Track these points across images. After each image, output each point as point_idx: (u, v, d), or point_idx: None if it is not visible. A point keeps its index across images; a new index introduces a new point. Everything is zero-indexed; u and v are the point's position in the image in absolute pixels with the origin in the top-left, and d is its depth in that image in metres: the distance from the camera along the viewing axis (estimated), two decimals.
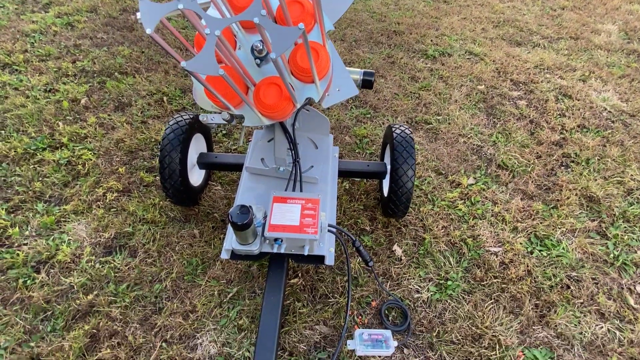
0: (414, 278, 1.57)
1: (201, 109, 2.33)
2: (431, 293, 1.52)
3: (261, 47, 1.12)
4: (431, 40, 3.19)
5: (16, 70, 2.62)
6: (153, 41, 0.97)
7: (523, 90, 2.69)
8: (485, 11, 3.79)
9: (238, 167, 1.73)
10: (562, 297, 1.52)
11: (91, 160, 1.99)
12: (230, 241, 1.29)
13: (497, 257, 1.65)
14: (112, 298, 1.45)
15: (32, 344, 1.32)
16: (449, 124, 2.35)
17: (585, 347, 1.39)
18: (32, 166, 1.94)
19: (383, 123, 2.34)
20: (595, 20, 3.73)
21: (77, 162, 1.97)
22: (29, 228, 1.68)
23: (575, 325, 1.45)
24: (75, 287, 1.48)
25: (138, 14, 1.22)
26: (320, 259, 1.34)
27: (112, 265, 1.56)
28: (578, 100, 2.60)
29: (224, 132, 2.22)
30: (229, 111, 1.16)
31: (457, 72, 2.82)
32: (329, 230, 1.33)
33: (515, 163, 2.10)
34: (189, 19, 0.90)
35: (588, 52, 3.18)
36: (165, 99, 2.40)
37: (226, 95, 1.10)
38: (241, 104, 1.17)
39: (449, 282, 1.55)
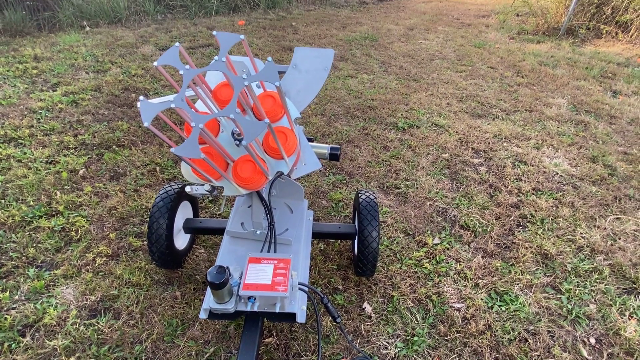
0: (382, 335, 1.67)
1: (185, 180, 2.54)
2: (398, 349, 1.61)
3: (239, 132, 1.36)
4: (401, 114, 3.57)
5: (21, 143, 2.85)
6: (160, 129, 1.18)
7: (483, 158, 2.98)
8: (450, 88, 4.26)
9: (220, 231, 1.89)
10: (520, 350, 1.62)
11: (84, 226, 2.13)
12: (208, 301, 1.41)
13: (459, 312, 1.77)
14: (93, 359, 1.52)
15: None
16: (417, 188, 2.58)
17: None
18: (28, 233, 2.08)
19: (357, 188, 2.56)
20: (547, 95, 4.21)
21: (70, 229, 2.12)
22: (18, 292, 1.77)
23: None
24: (58, 349, 1.54)
25: (139, 103, 1.47)
26: (292, 316, 1.45)
27: (95, 327, 1.64)
28: (532, 166, 2.89)
29: (210, 198, 2.41)
30: (211, 183, 1.36)
31: (424, 142, 3.13)
32: (299, 288, 1.46)
33: (476, 224, 2.30)
34: (180, 113, 1.13)
35: (541, 123, 3.57)
36: (158, 168, 2.62)
37: (208, 171, 1.31)
38: (221, 177, 1.38)
39: (415, 338, 1.65)
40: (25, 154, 2.72)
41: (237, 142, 1.40)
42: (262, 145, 1.38)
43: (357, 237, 1.85)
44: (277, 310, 1.39)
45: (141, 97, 1.11)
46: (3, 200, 2.29)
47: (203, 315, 1.45)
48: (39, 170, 2.56)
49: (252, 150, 1.14)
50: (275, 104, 1.40)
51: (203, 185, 1.40)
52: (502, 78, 4.63)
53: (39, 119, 3.17)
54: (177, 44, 1.16)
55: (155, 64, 1.14)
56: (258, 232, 1.65)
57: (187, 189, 1.43)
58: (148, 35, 5.35)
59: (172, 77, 4.08)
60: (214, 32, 1.18)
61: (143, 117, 1.08)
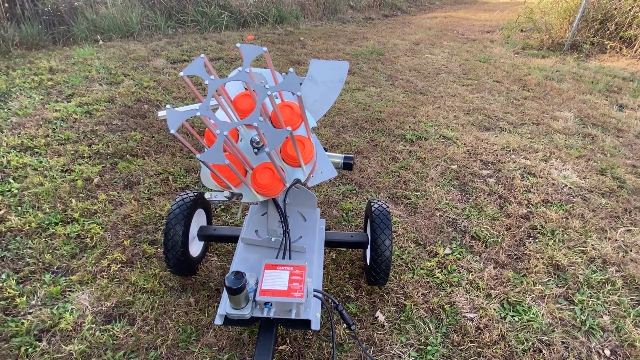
0: (396, 344, 1.67)
1: (204, 187, 2.58)
2: (412, 358, 1.61)
3: (258, 140, 1.39)
4: (409, 126, 3.61)
5: (37, 152, 2.91)
6: (174, 137, 1.22)
7: (492, 170, 3.01)
8: (457, 101, 4.31)
9: (234, 239, 1.92)
10: None
11: (99, 233, 2.17)
12: (224, 306, 1.43)
13: (472, 322, 1.77)
14: None
15: None
16: (426, 199, 2.60)
17: None
18: (44, 239, 2.11)
19: (367, 198, 2.58)
20: (553, 108, 4.25)
21: (85, 236, 2.15)
22: (35, 298, 1.79)
23: None
24: (74, 354, 1.56)
25: (159, 112, 1.52)
26: (306, 323, 1.46)
27: (111, 333, 1.65)
28: (541, 178, 2.90)
29: (222, 207, 2.44)
30: (230, 190, 1.39)
31: (432, 154, 3.16)
32: (314, 295, 1.47)
33: (487, 234, 2.31)
34: (204, 121, 1.17)
35: (548, 136, 3.60)
36: (170, 178, 2.67)
37: (228, 178, 1.34)
38: (240, 183, 1.41)
39: (429, 347, 1.65)
40: (41, 162, 2.78)
41: (256, 150, 1.43)
42: (280, 152, 1.42)
43: (369, 245, 1.86)
44: (293, 317, 1.40)
45: (167, 106, 1.15)
46: (20, 208, 2.33)
47: (218, 321, 1.46)
48: (55, 178, 2.61)
49: (273, 157, 1.18)
50: (293, 114, 1.44)
51: (222, 192, 1.43)
52: (508, 92, 4.68)
53: (54, 128, 3.24)
54: (202, 55, 1.21)
55: (181, 73, 1.19)
56: (273, 240, 1.67)
57: (207, 195, 1.46)
58: (160, 49, 5.48)
59: (180, 90, 4.17)
60: (238, 45, 1.23)
61: (170, 125, 1.12)
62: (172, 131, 1.11)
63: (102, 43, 5.63)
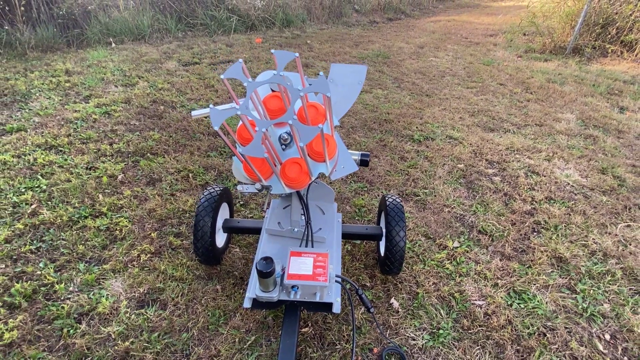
0: (410, 327, 1.79)
1: (228, 180, 2.71)
2: (425, 340, 1.73)
3: (286, 137, 1.52)
4: (416, 127, 3.74)
5: (61, 151, 3.04)
6: (217, 134, 1.33)
7: (497, 168, 3.13)
8: (462, 103, 4.44)
9: (256, 231, 2.05)
10: (539, 343, 1.74)
11: (127, 226, 2.30)
12: (254, 289, 1.56)
13: (481, 309, 1.89)
14: (145, 345, 1.65)
15: None
16: (435, 196, 2.73)
17: None
18: (76, 232, 2.24)
19: (377, 195, 2.71)
20: (556, 110, 4.38)
21: (114, 228, 2.28)
22: (72, 284, 1.92)
23: None
24: (113, 335, 1.68)
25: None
26: (328, 306, 1.58)
27: (145, 316, 1.78)
28: (544, 177, 3.03)
29: (241, 202, 2.57)
30: (261, 182, 1.52)
31: (439, 153, 3.29)
32: (335, 281, 1.60)
33: (493, 229, 2.43)
34: (242, 120, 1.30)
35: (551, 137, 3.72)
36: (190, 175, 2.80)
37: (261, 171, 1.47)
38: (270, 176, 1.54)
39: (441, 331, 1.77)
40: (66, 160, 2.91)
41: (284, 146, 1.56)
42: (307, 148, 1.54)
43: (384, 237, 1.98)
44: (317, 300, 1.53)
45: (211, 105, 1.28)
46: (50, 202, 2.46)
47: (247, 304, 1.59)
48: (81, 175, 2.75)
49: (304, 152, 1.31)
50: (317, 113, 1.57)
51: (253, 184, 1.56)
52: (512, 94, 4.81)
53: (75, 128, 3.38)
54: (240, 60, 1.35)
55: (222, 76, 1.32)
56: (295, 230, 1.79)
57: (239, 187, 1.59)
58: (171, 52, 5.63)
59: (193, 92, 4.30)
60: (272, 51, 1.36)
61: (213, 122, 1.25)
62: (215, 128, 1.23)
63: (115, 46, 5.78)
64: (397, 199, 1.98)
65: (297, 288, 1.52)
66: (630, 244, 2.36)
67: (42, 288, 1.88)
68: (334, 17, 8.90)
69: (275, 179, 1.49)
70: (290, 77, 1.67)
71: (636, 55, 6.32)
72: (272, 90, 1.67)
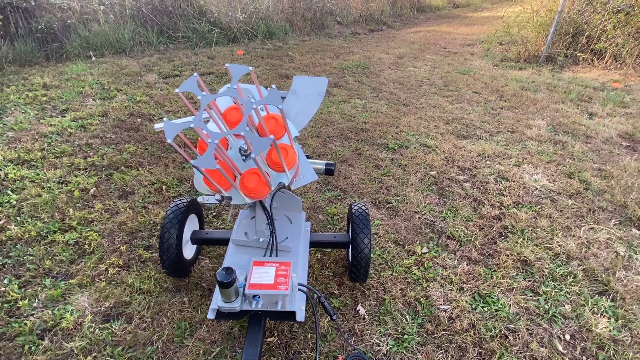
0: (375, 334, 1.81)
1: (196, 193, 2.72)
2: (390, 346, 1.76)
3: (246, 148, 1.55)
4: (392, 136, 3.81)
5: (34, 165, 3.02)
6: (167, 149, 1.36)
7: (468, 175, 3.20)
8: (437, 112, 4.54)
9: (225, 242, 2.06)
10: (501, 345, 1.77)
11: (96, 240, 2.28)
12: (216, 301, 1.57)
13: (446, 313, 1.92)
14: (108, 359, 1.64)
15: None
16: (407, 203, 2.78)
17: None
18: (44, 247, 2.22)
19: (351, 203, 2.74)
20: (528, 117, 4.50)
21: (84, 242, 2.27)
22: (36, 300, 1.90)
23: None
24: (75, 350, 1.67)
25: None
26: (292, 315, 1.60)
27: (110, 330, 1.77)
28: (513, 182, 3.11)
29: (214, 214, 2.58)
30: (221, 193, 1.54)
31: (413, 161, 3.35)
32: (299, 289, 1.62)
33: (461, 234, 2.48)
34: (197, 131, 1.33)
35: (522, 143, 3.82)
36: (164, 187, 2.80)
37: (219, 182, 1.50)
38: (230, 187, 1.56)
39: (405, 336, 1.80)
40: (38, 174, 2.89)
41: (244, 157, 1.59)
42: (266, 159, 1.58)
43: (350, 245, 2.02)
44: (279, 309, 1.54)
45: (164, 118, 1.31)
46: (19, 217, 2.44)
47: (211, 315, 1.60)
48: (52, 189, 2.73)
49: (259, 162, 1.34)
50: (277, 124, 1.61)
51: (213, 195, 1.58)
52: (486, 102, 4.93)
53: (50, 142, 3.36)
54: (195, 74, 1.38)
55: (176, 90, 1.35)
56: (261, 240, 1.81)
57: (199, 199, 1.61)
58: (151, 65, 5.64)
59: (172, 104, 4.32)
60: (227, 65, 1.40)
61: (167, 135, 1.27)
62: (168, 141, 1.26)
63: (95, 59, 5.78)
64: (363, 207, 2.02)
65: (259, 297, 1.54)
66: (592, 246, 2.43)
67: (5, 305, 1.86)
68: (316, 29, 9.03)
69: (235, 190, 1.52)
70: (250, 90, 1.71)
71: (606, 63, 6.55)
72: (234, 103, 1.71)
